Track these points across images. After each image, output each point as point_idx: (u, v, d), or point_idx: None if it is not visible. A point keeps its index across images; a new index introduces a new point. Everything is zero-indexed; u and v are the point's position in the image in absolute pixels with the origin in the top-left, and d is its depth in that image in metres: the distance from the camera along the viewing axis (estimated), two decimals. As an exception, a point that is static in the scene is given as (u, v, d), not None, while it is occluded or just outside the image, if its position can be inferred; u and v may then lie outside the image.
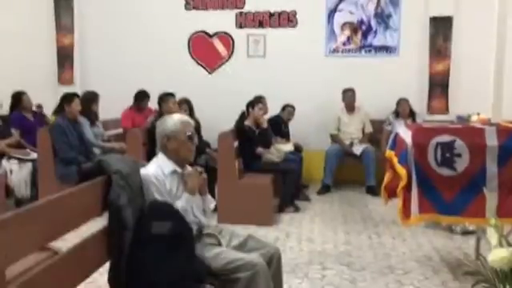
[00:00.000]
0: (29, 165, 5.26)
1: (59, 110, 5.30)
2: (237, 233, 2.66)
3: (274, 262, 2.51)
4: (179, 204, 2.41)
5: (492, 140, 3.35)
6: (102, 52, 7.36)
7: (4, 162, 5.21)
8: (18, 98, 5.83)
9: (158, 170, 2.46)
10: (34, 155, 5.31)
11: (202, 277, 2.25)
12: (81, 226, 2.16)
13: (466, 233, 4.41)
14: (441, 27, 6.73)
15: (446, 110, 6.74)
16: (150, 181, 2.39)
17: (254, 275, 2.24)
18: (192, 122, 2.66)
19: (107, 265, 2.23)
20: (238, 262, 2.29)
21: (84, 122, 5.42)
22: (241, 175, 5.24)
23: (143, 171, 2.44)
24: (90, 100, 5.70)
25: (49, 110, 6.06)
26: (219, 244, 2.49)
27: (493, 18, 6.60)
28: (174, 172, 2.51)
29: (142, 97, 6.42)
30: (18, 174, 5.18)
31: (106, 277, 2.26)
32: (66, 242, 2.75)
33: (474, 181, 3.38)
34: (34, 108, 6.05)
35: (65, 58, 7.43)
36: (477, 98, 6.41)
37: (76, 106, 5.08)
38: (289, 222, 4.99)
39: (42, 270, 1.76)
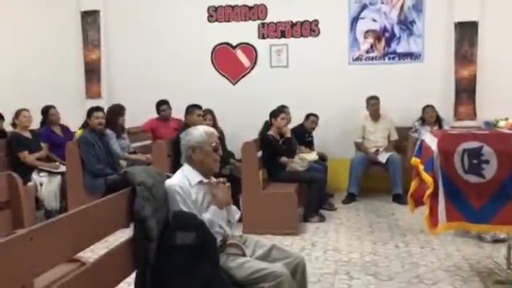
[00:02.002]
0: (58, 177, 5.38)
1: (86, 124, 5.43)
2: (261, 243, 2.65)
3: (298, 271, 2.49)
4: (206, 216, 2.42)
5: (521, 146, 3.27)
6: (127, 66, 7.49)
7: (34, 175, 5.35)
8: (45, 112, 6.00)
9: (183, 180, 2.47)
10: (62, 168, 5.43)
11: (227, 286, 2.26)
12: (109, 238, 2.20)
13: (496, 241, 4.30)
14: (466, 32, 6.62)
15: (473, 116, 6.61)
16: (176, 191, 2.41)
17: (279, 285, 2.23)
18: (216, 132, 2.68)
19: (134, 275, 2.25)
20: (262, 272, 2.29)
21: (110, 134, 5.53)
22: (265, 185, 5.25)
23: (168, 182, 2.46)
24: (116, 113, 5.81)
25: (77, 124, 6.19)
26: (243, 254, 2.49)
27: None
28: (200, 183, 2.52)
29: (159, 104, 6.61)
30: (47, 186, 5.30)
31: (133, 287, 2.28)
32: (93, 254, 2.81)
33: (504, 188, 3.30)
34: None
35: (92, 72, 7.59)
36: (505, 102, 6.26)
37: (95, 119, 5.17)
38: (314, 231, 4.96)
39: (70, 280, 1.79)
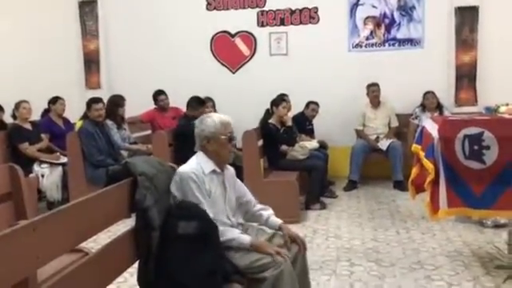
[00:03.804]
0: (59, 169, 5.39)
1: (86, 115, 5.42)
2: (263, 230, 2.67)
3: (299, 259, 2.50)
4: (231, 232, 2.39)
5: (521, 131, 3.27)
6: (127, 55, 7.47)
7: (35, 166, 5.35)
8: (54, 101, 5.99)
9: (198, 168, 2.45)
10: (63, 159, 5.44)
11: (229, 275, 2.27)
12: (112, 228, 2.21)
13: (497, 226, 4.32)
14: (466, 17, 6.58)
15: (474, 102, 6.59)
16: (190, 177, 2.38)
17: (279, 274, 2.25)
18: (231, 121, 2.60)
19: (137, 264, 2.27)
20: (263, 260, 2.31)
21: (111, 125, 5.53)
22: (266, 173, 5.25)
23: (181, 169, 2.44)
24: (116, 103, 5.80)
25: (77, 115, 6.18)
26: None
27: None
28: (214, 172, 2.50)
29: (156, 94, 6.60)
30: (49, 177, 5.31)
31: (135, 276, 2.30)
32: (96, 244, 2.83)
33: (504, 173, 3.31)
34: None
35: (91, 62, 7.57)
36: (506, 88, 6.23)
37: (95, 111, 5.15)
38: (315, 219, 4.98)
39: (73, 270, 1.80)
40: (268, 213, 2.68)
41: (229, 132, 2.53)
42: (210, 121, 2.52)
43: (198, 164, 2.47)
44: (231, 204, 2.58)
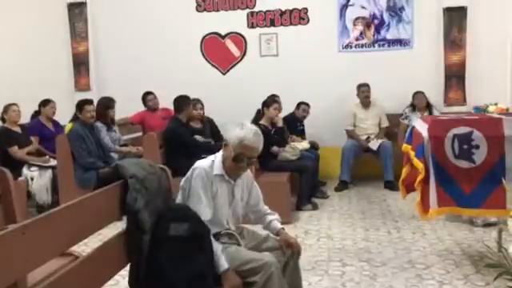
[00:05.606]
0: (49, 171, 5.34)
1: (76, 117, 5.39)
2: (257, 233, 2.68)
3: (291, 262, 2.50)
4: (217, 246, 2.33)
5: (510, 130, 3.31)
6: (116, 57, 7.43)
7: (25, 169, 5.30)
8: (44, 104, 5.94)
9: (211, 166, 2.47)
10: (53, 162, 5.40)
11: (219, 278, 2.27)
12: (103, 231, 2.19)
13: (487, 225, 4.35)
14: (455, 18, 6.63)
15: (463, 102, 6.64)
16: (200, 174, 2.42)
17: (269, 276, 2.25)
18: (260, 148, 2.49)
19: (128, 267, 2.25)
20: (252, 263, 2.30)
21: (100, 127, 5.50)
22: (257, 174, 5.24)
23: (198, 163, 2.48)
24: (106, 105, 5.75)
25: (67, 117, 6.14)
26: (238, 244, 2.49)
27: (508, 7, 6.49)
28: (222, 177, 2.48)
29: (145, 95, 6.62)
30: (38, 181, 5.26)
31: (127, 279, 2.28)
32: (87, 247, 2.81)
33: (493, 172, 3.34)
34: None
35: (80, 64, 7.52)
36: (494, 87, 6.32)
37: (87, 112, 5.13)
38: (307, 219, 4.98)
39: (63, 274, 1.78)
40: (272, 217, 2.70)
41: (242, 153, 2.41)
42: (238, 131, 2.45)
43: (212, 162, 2.49)
44: (236, 212, 2.58)
